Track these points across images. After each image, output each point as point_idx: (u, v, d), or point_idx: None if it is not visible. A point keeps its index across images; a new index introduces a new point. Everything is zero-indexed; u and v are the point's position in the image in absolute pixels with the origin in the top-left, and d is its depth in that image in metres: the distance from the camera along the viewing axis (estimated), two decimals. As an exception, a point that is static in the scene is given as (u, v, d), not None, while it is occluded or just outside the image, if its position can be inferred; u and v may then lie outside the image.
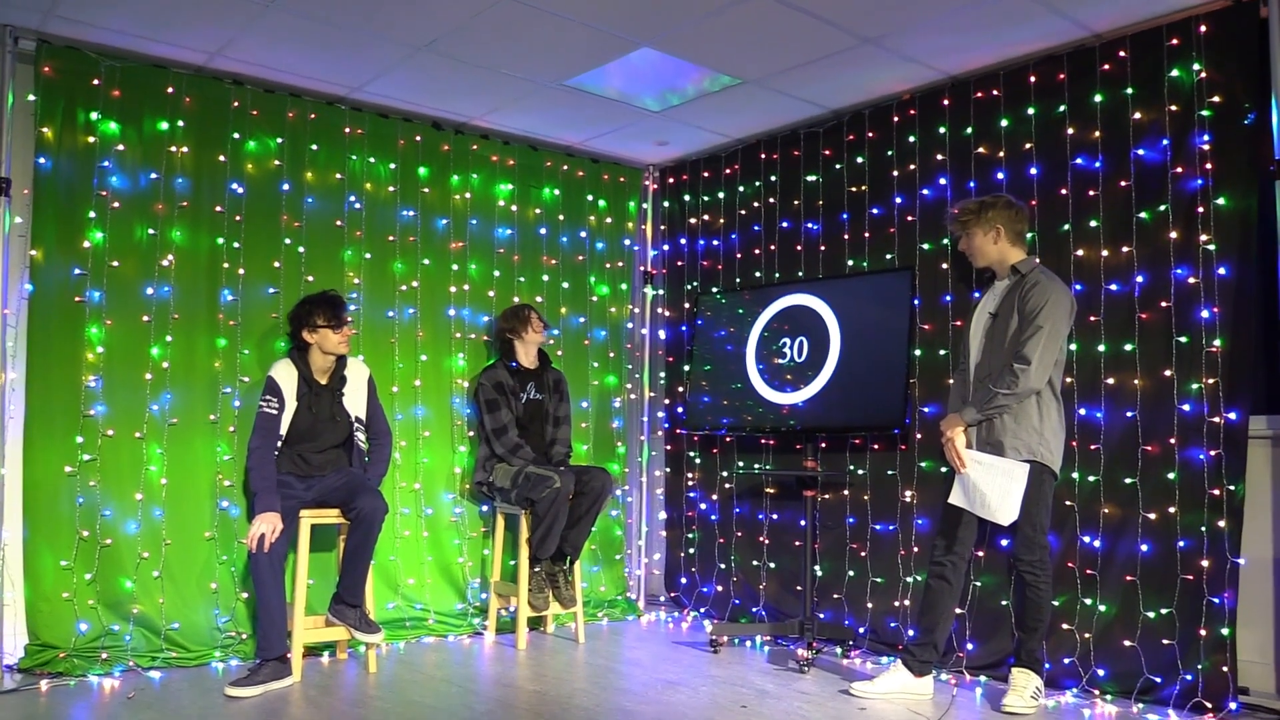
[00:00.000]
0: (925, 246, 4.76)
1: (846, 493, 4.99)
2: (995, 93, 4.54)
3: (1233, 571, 3.68)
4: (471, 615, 5.18)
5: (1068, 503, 4.12)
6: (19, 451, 4.15)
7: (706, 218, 5.92)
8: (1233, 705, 3.60)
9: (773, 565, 5.35)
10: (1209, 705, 3.64)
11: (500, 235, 5.56)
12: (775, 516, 5.37)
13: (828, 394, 4.77)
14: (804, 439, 4.93)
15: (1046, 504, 3.75)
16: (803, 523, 4.82)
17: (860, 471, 4.92)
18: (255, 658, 4.11)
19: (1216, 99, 3.87)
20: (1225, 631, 3.66)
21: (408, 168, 5.23)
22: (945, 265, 4.66)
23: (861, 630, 4.81)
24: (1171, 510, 3.86)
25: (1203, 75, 3.91)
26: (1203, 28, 3.93)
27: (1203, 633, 3.70)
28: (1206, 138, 3.88)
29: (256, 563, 4.01)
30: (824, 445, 5.06)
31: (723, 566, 5.61)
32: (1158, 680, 3.80)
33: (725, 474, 5.65)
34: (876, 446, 4.89)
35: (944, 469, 4.46)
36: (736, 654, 4.73)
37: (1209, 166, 3.87)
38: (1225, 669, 3.64)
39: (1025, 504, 3.66)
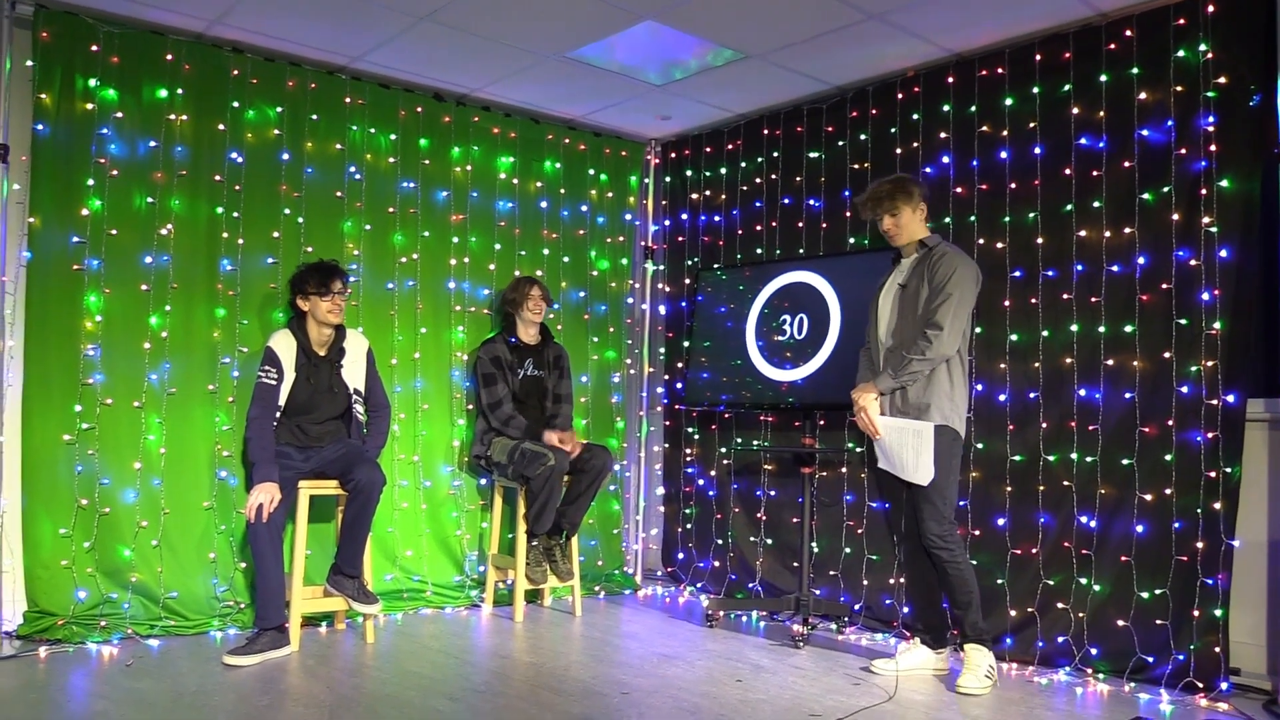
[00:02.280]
0: (929, 225, 4.73)
1: (844, 470, 5.01)
2: (1000, 71, 4.51)
3: (1227, 553, 3.69)
4: (469, 588, 5.21)
5: (1065, 483, 4.13)
6: (17, 419, 4.16)
7: (708, 193, 5.89)
8: (1224, 685, 3.63)
9: (769, 541, 5.37)
10: (1200, 685, 3.67)
11: (501, 208, 5.53)
12: (773, 493, 5.39)
13: (827, 371, 4.77)
14: (803, 416, 4.93)
15: (955, 472, 3.86)
16: (800, 500, 4.84)
17: (859, 449, 4.93)
18: (254, 627, 4.14)
19: (1222, 80, 3.85)
20: (1218, 612, 3.68)
21: (408, 139, 5.20)
22: (947, 244, 4.65)
23: (857, 607, 4.83)
24: (1168, 492, 3.87)
25: (1209, 56, 3.88)
26: (1210, 8, 3.90)
27: (1196, 613, 3.72)
28: (1211, 119, 3.86)
29: (255, 533, 4.02)
30: (822, 423, 5.06)
31: (720, 542, 5.63)
32: (1150, 660, 3.83)
33: (723, 450, 5.66)
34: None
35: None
36: (732, 629, 4.75)
37: (1213, 148, 3.85)
38: (1217, 649, 3.67)
39: (936, 469, 3.74)
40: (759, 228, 5.56)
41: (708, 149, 5.90)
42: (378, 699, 3.46)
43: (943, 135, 4.71)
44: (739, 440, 5.56)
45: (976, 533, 4.39)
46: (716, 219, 5.82)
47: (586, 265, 5.88)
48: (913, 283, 3.92)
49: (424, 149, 5.25)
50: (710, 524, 5.69)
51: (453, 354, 5.31)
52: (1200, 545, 3.75)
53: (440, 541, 5.20)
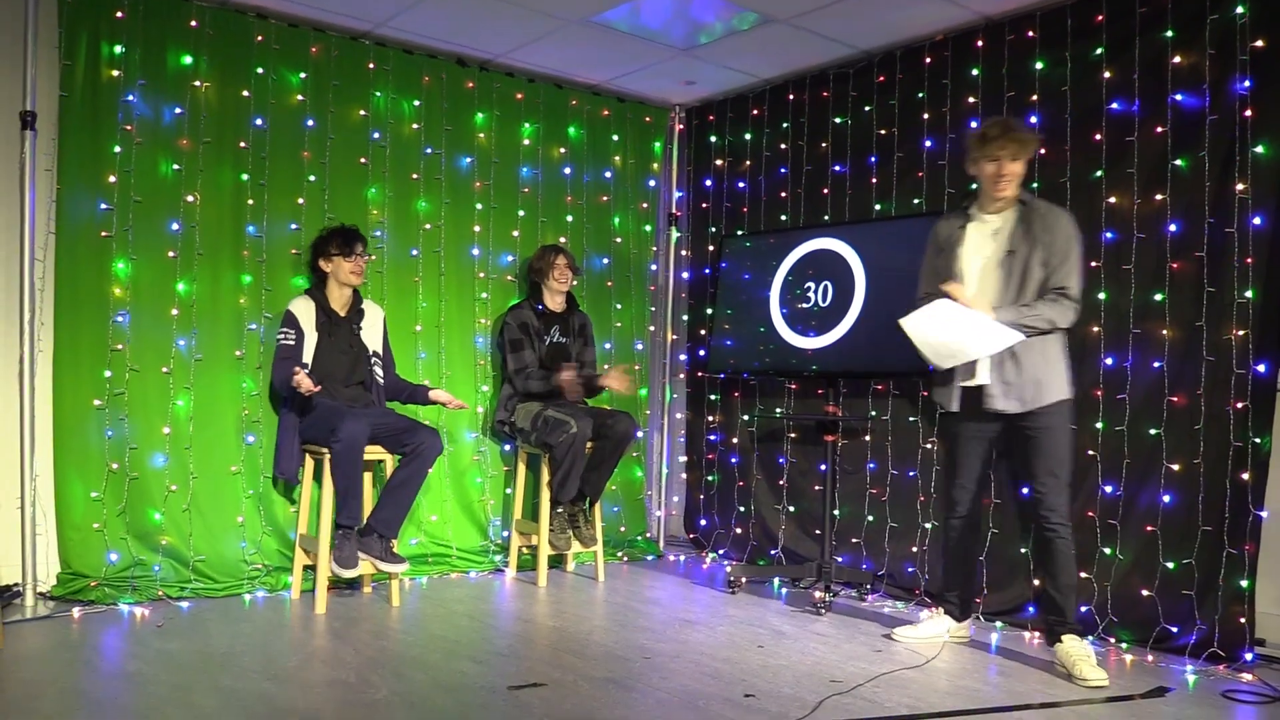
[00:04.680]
0: (952, 191, 4.69)
1: (867, 438, 4.99)
2: (1031, 34, 4.43)
3: (1254, 524, 3.67)
4: (493, 553, 5.25)
5: (1090, 452, 4.10)
6: (49, 385, 4.21)
7: (732, 159, 5.85)
8: (1248, 655, 3.62)
9: (792, 509, 5.38)
10: (1224, 655, 3.66)
11: (524, 174, 5.52)
12: (795, 460, 5.39)
13: (851, 339, 4.74)
14: (826, 383, 4.92)
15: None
16: (822, 467, 4.84)
17: (882, 417, 4.92)
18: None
19: (1260, 43, 3.76)
20: (1244, 583, 3.66)
21: (432, 105, 5.19)
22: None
23: (879, 574, 4.84)
24: (1195, 461, 3.84)
25: (1246, 18, 3.80)
26: (1257, -30, 3.81)
27: (1221, 584, 3.70)
28: (1247, 83, 3.78)
29: (337, 456, 4.10)
30: (845, 390, 5.05)
31: (742, 509, 5.64)
32: (1174, 630, 3.81)
33: (746, 417, 5.66)
34: (898, 392, 4.88)
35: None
36: (754, 595, 4.78)
37: (1248, 113, 3.77)
38: (1242, 620, 3.65)
39: (1064, 449, 3.63)
40: (784, 194, 5.52)
41: (732, 115, 5.85)
42: (403, 661, 3.51)
43: (971, 100, 4.64)
44: (762, 408, 5.56)
45: (998, 501, 4.38)
46: (741, 185, 5.78)
47: (609, 232, 5.86)
48: (1021, 246, 3.63)
49: (447, 115, 5.23)
50: (733, 491, 5.71)
51: (476, 320, 5.32)
52: (1227, 515, 3.72)
53: (465, 507, 5.24)
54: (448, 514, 5.17)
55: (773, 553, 5.40)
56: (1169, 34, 3.99)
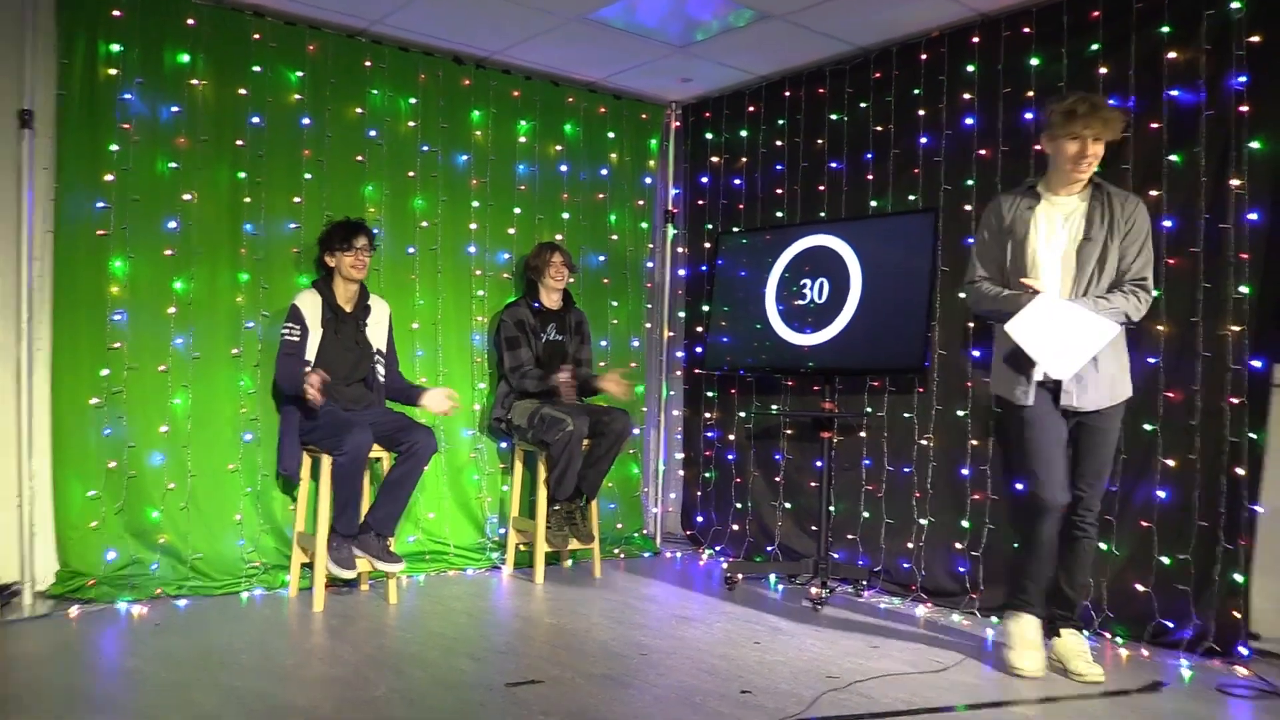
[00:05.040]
0: (948, 187, 4.69)
1: (863, 435, 5.00)
2: (1026, 30, 4.43)
3: (1250, 519, 3.68)
4: (490, 550, 5.26)
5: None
6: (47, 384, 4.21)
7: (729, 156, 5.85)
8: (1244, 650, 3.64)
9: (788, 505, 5.39)
10: (1219, 649, 3.67)
11: (521, 172, 5.52)
12: (791, 457, 5.40)
13: (847, 336, 4.75)
14: (822, 380, 4.93)
15: None
16: (819, 463, 4.85)
17: (878, 414, 4.93)
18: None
19: (1256, 39, 3.77)
20: (1239, 578, 3.68)
21: (428, 103, 5.19)
22: (969, 207, 4.59)
23: (876, 570, 4.85)
24: (1191, 457, 3.85)
25: (1243, 13, 3.80)
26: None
27: (1217, 579, 3.72)
28: (1243, 78, 3.79)
29: (340, 469, 4.10)
30: (842, 387, 5.06)
31: (739, 506, 5.65)
32: (1170, 625, 3.83)
33: (743, 414, 5.67)
34: (895, 389, 4.89)
35: (962, 414, 4.49)
36: (751, 592, 4.79)
37: (1244, 109, 3.78)
38: (1237, 614, 3.67)
39: (1114, 450, 3.55)
40: (780, 191, 5.52)
41: (728, 112, 5.85)
42: (402, 658, 3.52)
43: (966, 97, 4.64)
44: (758, 404, 5.57)
45: (994, 498, 4.40)
46: (737, 182, 5.79)
47: (606, 229, 5.87)
48: (1098, 233, 3.42)
49: (443, 113, 5.23)
50: (729, 488, 5.71)
51: (473, 318, 5.33)
52: (1223, 511, 3.74)
53: (462, 504, 5.25)
54: (445, 511, 5.18)
55: (769, 549, 5.42)
56: (1165, 29, 4.00)
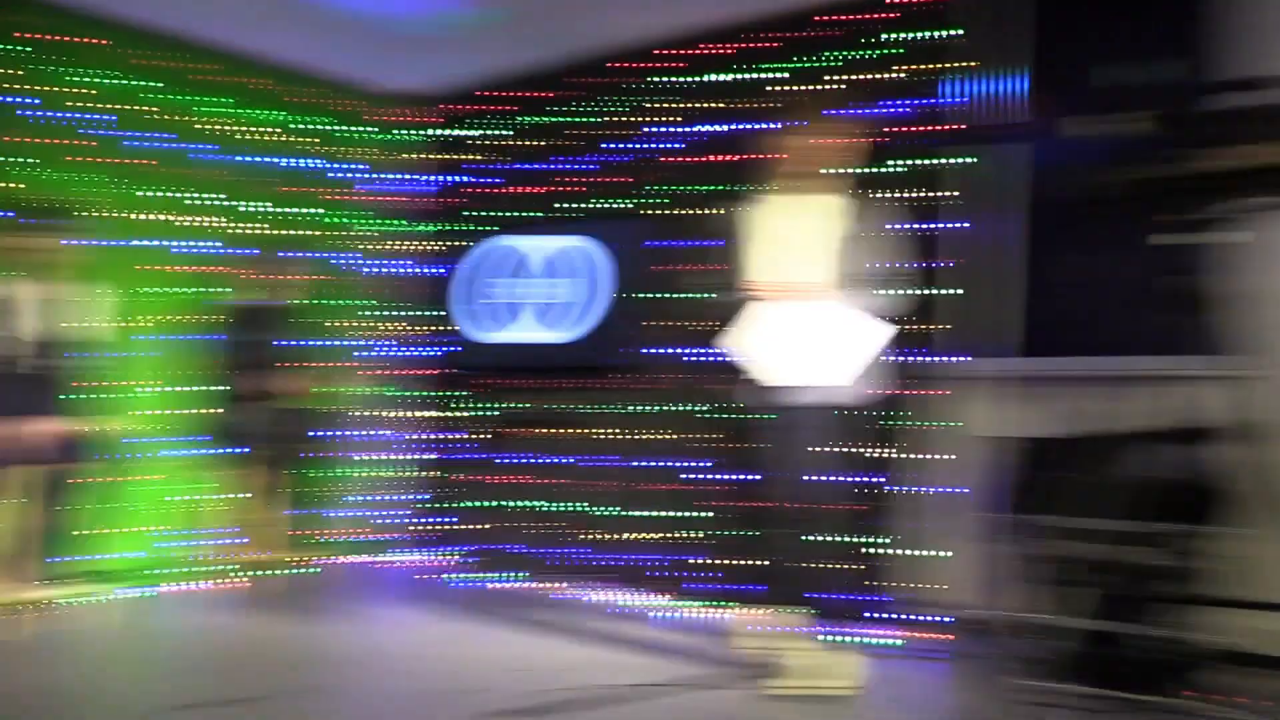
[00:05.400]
0: (690, 192, 4.86)
1: (610, 431, 5.07)
2: (761, 45, 4.68)
3: (932, 499, 4.01)
4: (192, 563, 4.91)
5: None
6: None
7: (483, 154, 5.80)
8: (923, 619, 3.98)
9: (534, 504, 5.35)
10: (903, 621, 4.00)
11: (269, 165, 5.32)
12: (539, 454, 5.39)
13: (599, 333, 4.87)
14: (571, 377, 4.99)
15: None
16: (566, 461, 4.90)
17: (624, 410, 5.02)
18: None
19: (967, 61, 4.11)
20: (924, 553, 4.02)
21: (172, 91, 4.96)
22: (707, 211, 4.74)
23: (609, 565, 4.94)
24: (877, 442, 4.13)
25: (953, 38, 4.15)
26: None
27: (904, 554, 4.04)
28: (952, 96, 4.13)
29: None
30: (590, 384, 5.14)
31: (481, 505, 5.56)
32: (857, 600, 4.08)
33: (492, 412, 5.62)
34: (642, 386, 4.97)
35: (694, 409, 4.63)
36: (490, 592, 4.77)
37: (948, 126, 4.13)
38: (919, 586, 4.01)
39: (825, 440, 3.39)
40: (532, 189, 5.54)
41: (484, 109, 5.80)
42: (75, 687, 3.29)
43: (711, 106, 4.85)
44: (506, 403, 5.54)
45: (718, 490, 4.62)
46: (491, 181, 5.77)
47: (354, 225, 5.73)
48: (833, 229, 3.37)
49: (185, 103, 5.00)
50: (473, 487, 5.63)
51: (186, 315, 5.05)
52: (904, 492, 4.05)
53: (161, 517, 4.99)
54: (139, 525, 4.88)
55: (511, 549, 5.41)
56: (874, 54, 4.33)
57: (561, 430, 4.82)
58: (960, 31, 4.14)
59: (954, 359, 4.06)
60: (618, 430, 5.01)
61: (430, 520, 5.87)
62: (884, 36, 4.32)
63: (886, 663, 3.57)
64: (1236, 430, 3.37)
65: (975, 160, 4.08)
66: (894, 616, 4.05)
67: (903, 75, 4.25)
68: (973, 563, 4.05)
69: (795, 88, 4.55)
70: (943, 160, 4.11)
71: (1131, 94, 2.10)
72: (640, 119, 5.02)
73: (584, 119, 5.29)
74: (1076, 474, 3.15)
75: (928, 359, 4.09)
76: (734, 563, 4.51)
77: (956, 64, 4.14)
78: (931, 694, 3.33)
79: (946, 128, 4.13)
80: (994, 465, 4.00)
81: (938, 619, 3.96)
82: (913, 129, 4.21)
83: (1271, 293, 3.50)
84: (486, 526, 5.62)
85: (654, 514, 4.87)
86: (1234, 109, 2.04)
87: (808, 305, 3.29)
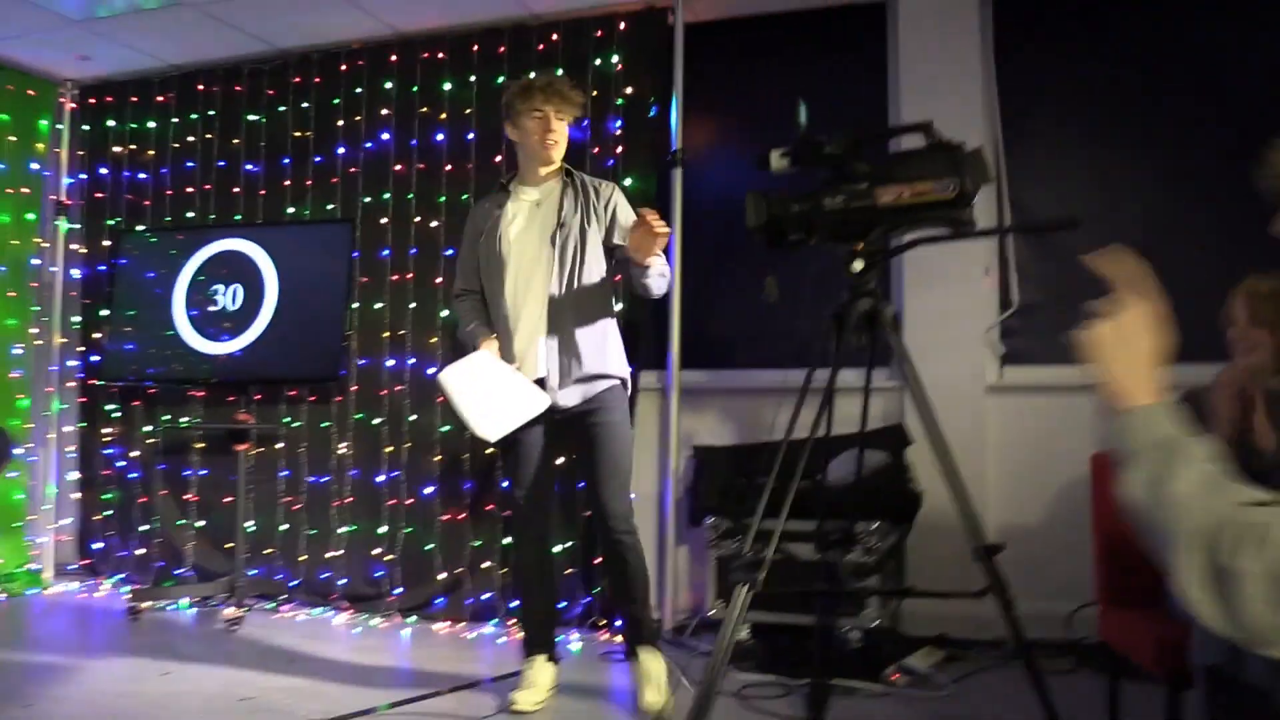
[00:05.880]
0: (367, 199, 4.77)
1: (281, 445, 4.86)
2: (441, 55, 4.68)
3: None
4: None
5: (489, 450, 4.39)
6: None
7: (134, 147, 5.35)
8: (619, 621, 4.13)
9: (201, 524, 5.04)
10: (604, 623, 4.15)
11: None
12: (205, 472, 5.06)
13: (263, 344, 4.62)
14: (238, 390, 4.72)
15: None
16: (234, 477, 4.63)
17: (295, 424, 4.83)
18: None
19: (630, 90, 4.35)
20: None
21: None
22: (385, 220, 4.71)
23: (294, 584, 4.75)
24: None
25: (620, 67, 4.37)
26: (622, 25, 4.40)
27: (598, 560, 4.17)
28: (619, 124, 4.35)
29: None
30: (258, 397, 4.88)
31: (145, 528, 5.16)
32: (563, 605, 4.18)
33: (149, 428, 5.19)
34: (312, 398, 4.83)
35: (378, 422, 4.57)
36: (160, 620, 4.42)
37: (620, 150, 4.34)
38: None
39: (626, 444, 3.22)
40: (191, 189, 5.18)
41: (135, 98, 5.36)
42: None
43: (384, 112, 4.77)
44: (167, 418, 5.14)
45: (409, 502, 4.55)
46: (143, 176, 5.32)
47: (-21, 219, 5.06)
48: (572, 218, 3.20)
49: None
50: (133, 509, 5.19)
51: None
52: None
53: None
54: None
55: (180, 572, 5.04)
56: (559, 72, 4.43)
57: (242, 445, 4.53)
58: (618, 59, 4.37)
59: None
60: (308, 444, 4.82)
61: (100, 543, 5.30)
62: (595, 56, 4.46)
63: (611, 665, 3.73)
64: (899, 436, 3.85)
65: (642, 184, 4.30)
66: (602, 621, 4.19)
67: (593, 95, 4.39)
68: (674, 566, 4.31)
69: (474, 104, 4.62)
70: (619, 182, 4.30)
71: (815, 134, 2.33)
72: (338, 121, 4.86)
73: (272, 117, 5.03)
74: (760, 479, 3.44)
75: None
76: (443, 577, 4.47)
77: (631, 89, 4.37)
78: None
79: (619, 150, 4.34)
80: (683, 472, 4.29)
81: (619, 620, 4.13)
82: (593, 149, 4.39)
83: (918, 313, 4.08)
84: (185, 548, 5.15)
85: (345, 529, 4.72)
86: (905, 151, 2.33)
87: (494, 364, 3.19)
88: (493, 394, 3.12)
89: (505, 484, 3.80)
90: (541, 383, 3.16)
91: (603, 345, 3.20)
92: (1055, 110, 4.20)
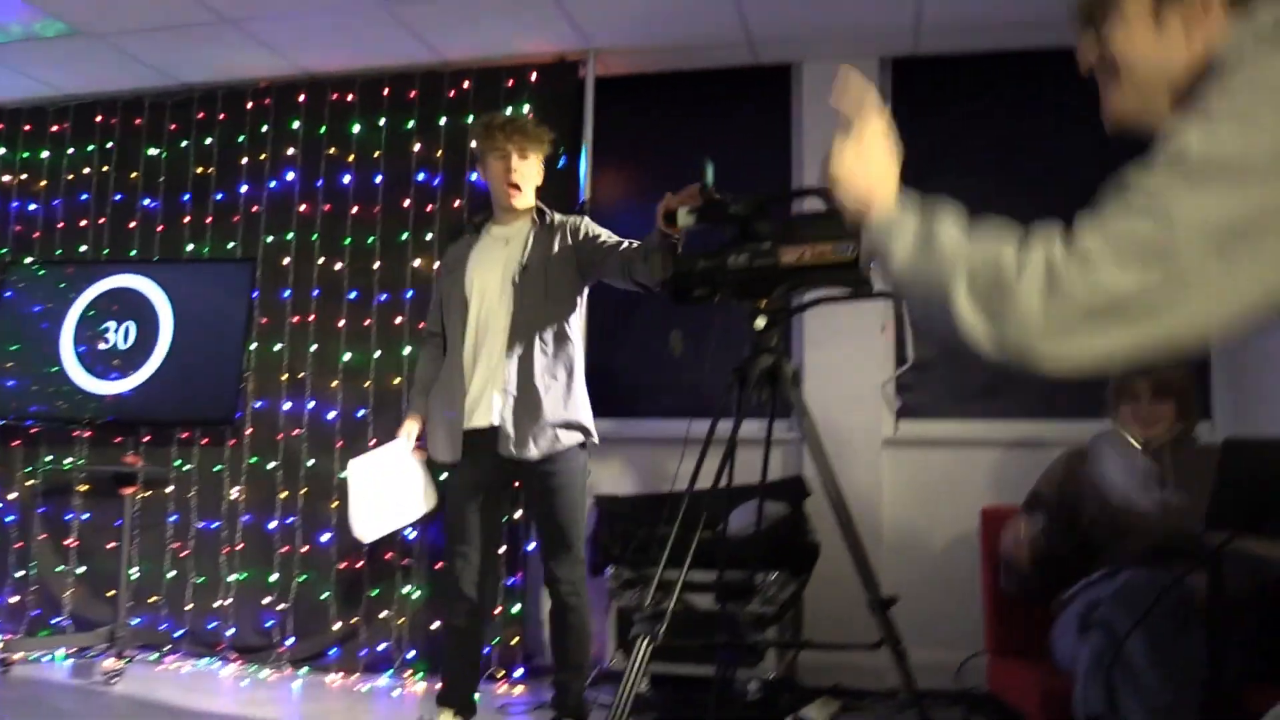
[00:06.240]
0: (269, 239, 4.69)
1: (170, 490, 4.69)
2: (351, 97, 4.65)
3: (523, 556, 4.17)
4: None
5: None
6: None
7: (25, 176, 5.14)
8: (519, 671, 4.10)
9: (81, 570, 4.81)
10: (502, 674, 4.09)
11: None
12: (87, 516, 4.84)
13: (155, 384, 4.48)
14: (126, 432, 4.56)
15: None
16: (119, 522, 4.46)
17: (186, 467, 4.67)
18: None
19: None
20: (515, 609, 4.15)
21: None
22: (288, 260, 4.63)
23: (179, 634, 4.56)
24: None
25: (530, 118, 4.39)
26: (534, 75, 4.44)
27: (498, 611, 4.14)
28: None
29: None
30: (147, 439, 4.71)
31: (20, 574, 4.89)
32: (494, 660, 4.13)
33: (29, 469, 4.94)
34: (205, 441, 4.68)
35: (273, 466, 4.46)
36: (34, 673, 4.20)
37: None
38: (515, 641, 4.12)
39: (581, 503, 3.17)
40: (84, 223, 5.00)
41: (27, 126, 5.17)
42: None
43: (290, 151, 4.71)
44: (49, 458, 4.91)
45: (305, 549, 4.43)
46: (33, 207, 5.11)
47: None
48: (536, 259, 3.13)
49: None
50: (7, 555, 4.91)
51: None
52: (503, 549, 4.14)
53: None
54: None
55: (57, 621, 4.79)
56: (469, 119, 4.47)
57: (129, 488, 4.36)
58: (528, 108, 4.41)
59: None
60: (199, 488, 4.65)
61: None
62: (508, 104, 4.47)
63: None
64: (799, 488, 3.91)
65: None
66: (501, 673, 4.13)
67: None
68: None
69: (382, 148, 4.60)
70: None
71: (722, 193, 2.39)
72: (242, 158, 4.78)
73: (173, 152, 4.92)
74: (663, 529, 3.45)
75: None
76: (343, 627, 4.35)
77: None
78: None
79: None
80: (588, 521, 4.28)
81: (517, 670, 4.11)
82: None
83: (817, 367, 4.18)
84: (63, 596, 4.90)
85: (234, 577, 4.56)
86: (807, 212, 2.41)
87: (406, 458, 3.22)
88: (384, 494, 3.14)
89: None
90: (495, 431, 3.07)
91: (563, 396, 3.10)
92: (949, 176, 4.38)
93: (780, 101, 4.54)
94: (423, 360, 3.38)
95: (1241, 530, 1.92)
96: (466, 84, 4.52)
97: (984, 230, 1.16)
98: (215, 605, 4.55)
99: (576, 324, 3.23)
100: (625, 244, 3.05)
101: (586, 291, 3.27)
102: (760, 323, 2.41)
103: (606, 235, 3.16)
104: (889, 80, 4.42)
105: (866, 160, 1.34)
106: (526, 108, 4.40)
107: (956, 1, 3.95)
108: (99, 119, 5.05)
